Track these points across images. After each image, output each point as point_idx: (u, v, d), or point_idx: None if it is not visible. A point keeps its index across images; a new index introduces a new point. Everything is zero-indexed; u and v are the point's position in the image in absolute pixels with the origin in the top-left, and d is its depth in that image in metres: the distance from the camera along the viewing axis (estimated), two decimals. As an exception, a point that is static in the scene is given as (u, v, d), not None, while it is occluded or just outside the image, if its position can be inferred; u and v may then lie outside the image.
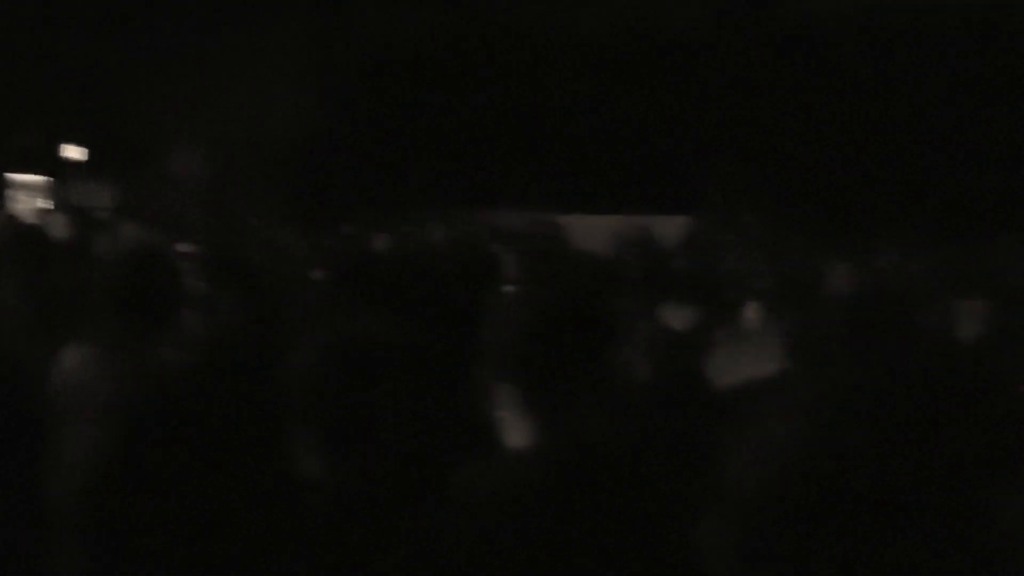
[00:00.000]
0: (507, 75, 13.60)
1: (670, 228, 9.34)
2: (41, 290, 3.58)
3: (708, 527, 1.17)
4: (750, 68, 12.31)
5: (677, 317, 6.26)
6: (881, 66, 11.67)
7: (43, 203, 13.05)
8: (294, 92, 14.15)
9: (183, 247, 5.55)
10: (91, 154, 14.25)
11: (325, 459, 1.39)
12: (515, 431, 1.73)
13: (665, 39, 12.63)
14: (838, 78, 11.85)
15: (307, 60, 14.33)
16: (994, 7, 10.89)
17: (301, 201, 12.92)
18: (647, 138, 12.88)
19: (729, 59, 12.42)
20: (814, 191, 11.58)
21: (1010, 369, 3.56)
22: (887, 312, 4.96)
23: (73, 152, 14.22)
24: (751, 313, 6.29)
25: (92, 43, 14.36)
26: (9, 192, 13.09)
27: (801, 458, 1.21)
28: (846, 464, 1.18)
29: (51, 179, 13.86)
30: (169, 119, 14.35)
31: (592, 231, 9.78)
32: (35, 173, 13.78)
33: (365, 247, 7.40)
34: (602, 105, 13.18)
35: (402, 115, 14.10)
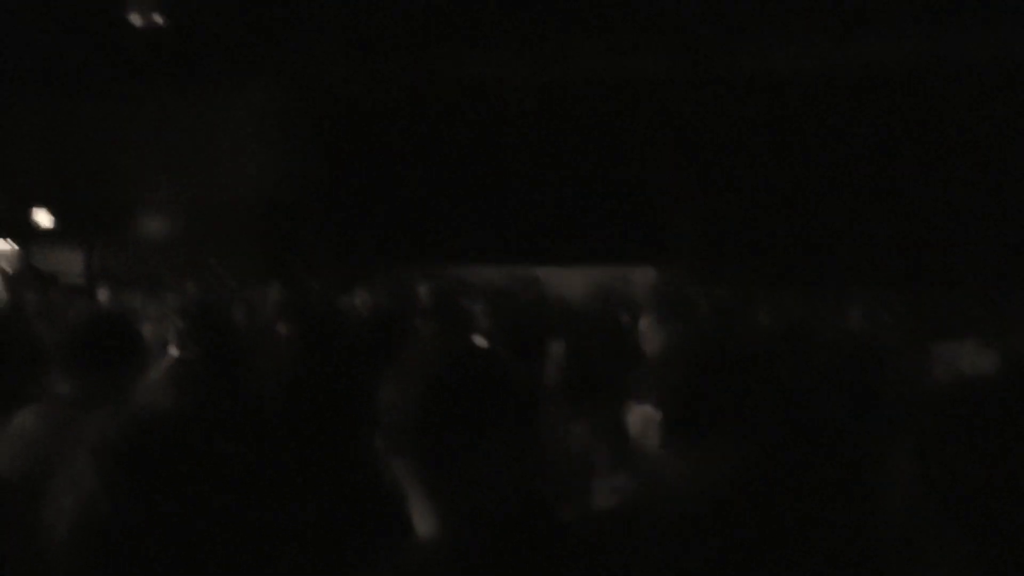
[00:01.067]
0: (477, 130, 13.71)
1: (641, 279, 9.41)
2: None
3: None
4: (716, 119, 12.47)
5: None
6: (845, 116, 11.86)
7: (13, 270, 12.95)
8: (264, 150, 14.21)
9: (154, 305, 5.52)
10: (61, 220, 14.20)
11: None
12: (417, 512, 1.49)
13: (631, 91, 12.79)
14: (804, 128, 12.03)
15: (277, 118, 14.41)
16: (951, 60, 11.14)
17: (273, 258, 12.90)
18: (617, 189, 12.97)
19: (695, 110, 12.58)
20: (784, 240, 11.68)
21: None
22: (863, 362, 4.96)
23: (43, 218, 14.17)
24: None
25: (59, 108, 14.40)
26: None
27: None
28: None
29: (19, 246, 13.79)
30: (138, 181, 14.35)
31: (566, 282, 9.85)
32: (4, 240, 13.70)
33: (335, 303, 7.37)
34: (573, 157, 13.29)
35: (373, 170, 14.15)
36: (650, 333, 4.22)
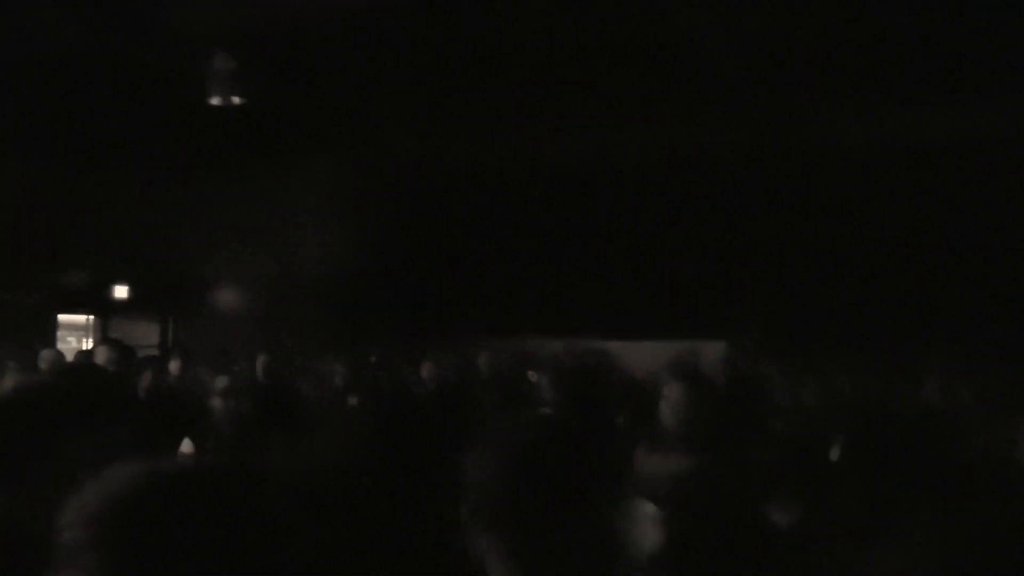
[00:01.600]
0: (543, 205, 13.82)
1: (707, 353, 9.27)
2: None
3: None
4: (788, 194, 12.40)
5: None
6: (916, 188, 11.71)
7: (90, 342, 13.29)
8: (333, 226, 14.50)
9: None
10: (138, 293, 14.58)
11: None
12: None
13: (699, 166, 12.80)
14: (874, 200, 11.90)
15: (345, 194, 14.71)
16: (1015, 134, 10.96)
17: (339, 331, 13.04)
18: (684, 264, 12.91)
19: (767, 186, 12.53)
20: (859, 315, 11.48)
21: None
22: (938, 438, 4.80)
23: (119, 291, 14.56)
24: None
25: (136, 185, 14.88)
26: (58, 332, 13.38)
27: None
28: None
29: (97, 318, 14.17)
30: (213, 256, 14.69)
31: (632, 356, 9.75)
32: (82, 313, 14.10)
33: (400, 375, 7.41)
34: (640, 231, 13.30)
35: (439, 244, 14.32)
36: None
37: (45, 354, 7.54)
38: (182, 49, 10.12)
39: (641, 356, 9.70)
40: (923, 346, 8.72)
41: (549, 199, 13.84)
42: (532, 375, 7.83)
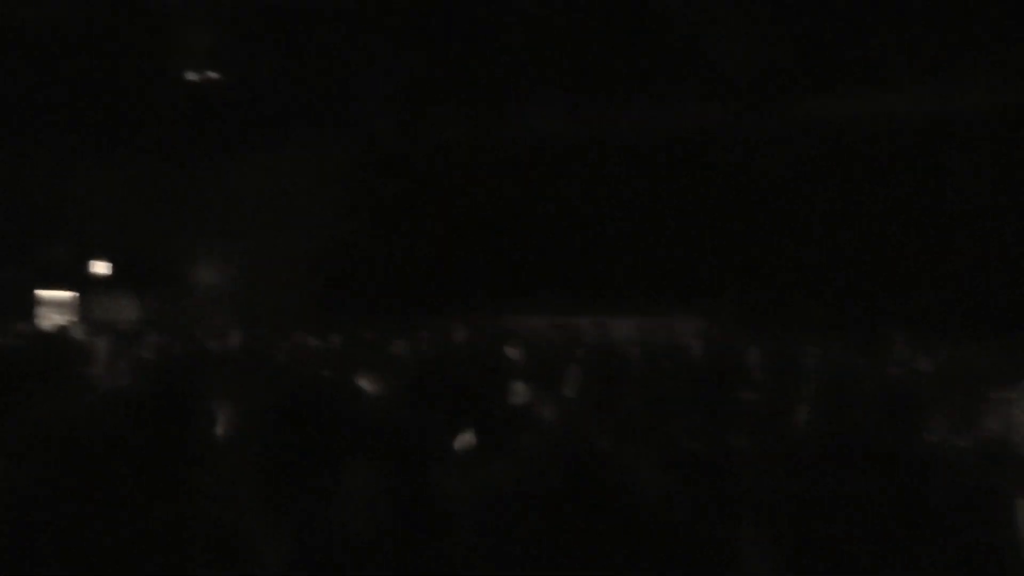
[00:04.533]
0: (526, 183, 13.81)
1: (684, 330, 9.36)
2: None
3: None
4: (762, 171, 12.41)
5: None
6: (897, 166, 11.70)
7: (70, 318, 13.27)
8: (316, 202, 14.49)
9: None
10: (118, 270, 14.55)
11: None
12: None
13: (677, 145, 12.80)
14: (853, 179, 11.91)
15: (330, 173, 14.69)
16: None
17: (323, 308, 13.06)
18: (661, 242, 12.91)
19: (742, 163, 12.54)
20: (827, 291, 11.53)
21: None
22: (900, 411, 4.91)
23: (100, 267, 14.52)
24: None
25: (115, 163, 14.85)
26: (38, 308, 13.35)
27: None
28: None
29: (78, 294, 14.15)
30: (192, 233, 14.68)
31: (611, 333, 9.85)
32: (63, 289, 14.06)
33: (385, 351, 7.46)
34: (618, 210, 13.31)
35: (421, 223, 14.33)
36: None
37: (20, 327, 7.60)
38: (159, 25, 10.10)
39: (620, 332, 9.80)
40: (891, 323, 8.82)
41: (533, 180, 13.80)
42: (511, 350, 7.93)
